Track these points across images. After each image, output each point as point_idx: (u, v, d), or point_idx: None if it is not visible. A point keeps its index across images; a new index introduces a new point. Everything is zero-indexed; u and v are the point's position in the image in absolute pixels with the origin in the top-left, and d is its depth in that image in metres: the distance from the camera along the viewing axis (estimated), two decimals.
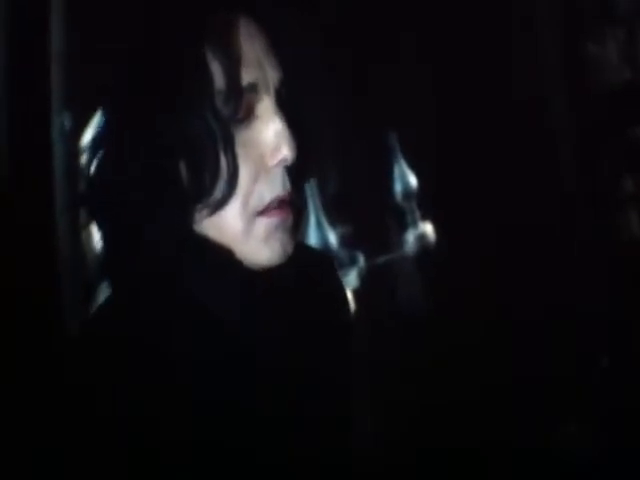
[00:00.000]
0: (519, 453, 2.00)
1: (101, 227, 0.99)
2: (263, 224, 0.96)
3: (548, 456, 2.04)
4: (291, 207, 0.99)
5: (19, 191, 1.48)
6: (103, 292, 1.02)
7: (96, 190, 0.97)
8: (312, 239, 2.28)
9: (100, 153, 0.95)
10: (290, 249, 0.99)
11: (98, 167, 0.96)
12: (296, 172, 1.00)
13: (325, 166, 2.41)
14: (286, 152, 0.95)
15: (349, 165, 2.49)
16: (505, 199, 2.41)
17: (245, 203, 0.95)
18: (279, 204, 0.97)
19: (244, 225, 0.96)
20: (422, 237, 2.46)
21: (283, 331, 1.02)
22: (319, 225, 2.28)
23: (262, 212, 0.96)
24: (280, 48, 0.99)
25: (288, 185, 0.98)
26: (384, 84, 2.49)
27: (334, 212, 2.36)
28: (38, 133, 1.51)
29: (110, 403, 0.91)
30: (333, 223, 2.33)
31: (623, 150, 2.38)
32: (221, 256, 0.97)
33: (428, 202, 2.48)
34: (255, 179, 0.95)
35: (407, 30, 2.52)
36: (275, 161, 0.96)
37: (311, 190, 2.25)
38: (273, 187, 0.96)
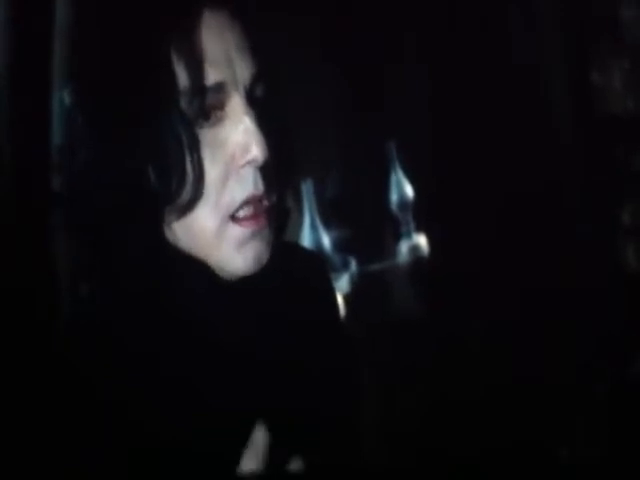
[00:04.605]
0: (517, 459, 2.01)
1: (74, 228, 0.97)
2: (237, 230, 0.93)
3: (549, 461, 2.05)
4: (268, 214, 0.95)
5: (17, 167, 1.47)
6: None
7: (68, 190, 0.95)
8: (305, 240, 2.26)
9: (73, 153, 0.93)
10: (265, 258, 0.95)
11: (71, 167, 0.93)
12: (275, 172, 0.95)
13: (322, 168, 2.41)
14: (255, 152, 0.91)
15: (347, 169, 2.49)
16: (502, 216, 2.42)
17: (216, 204, 0.92)
18: (254, 211, 0.93)
19: (216, 228, 0.92)
20: (416, 248, 2.45)
21: (271, 333, 0.98)
22: (313, 227, 2.27)
23: (236, 218, 0.92)
24: (255, 42, 0.95)
25: (261, 185, 0.93)
26: (385, 93, 2.50)
27: (329, 215, 2.37)
28: (38, 108, 1.51)
29: (98, 399, 0.90)
30: (327, 226, 2.34)
31: (624, 180, 2.40)
32: (193, 265, 0.94)
33: (424, 214, 2.49)
34: (225, 180, 0.92)
35: (409, 41, 2.54)
36: (244, 161, 0.92)
37: (307, 191, 2.27)
38: (244, 187, 0.92)
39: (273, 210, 0.97)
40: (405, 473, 1.69)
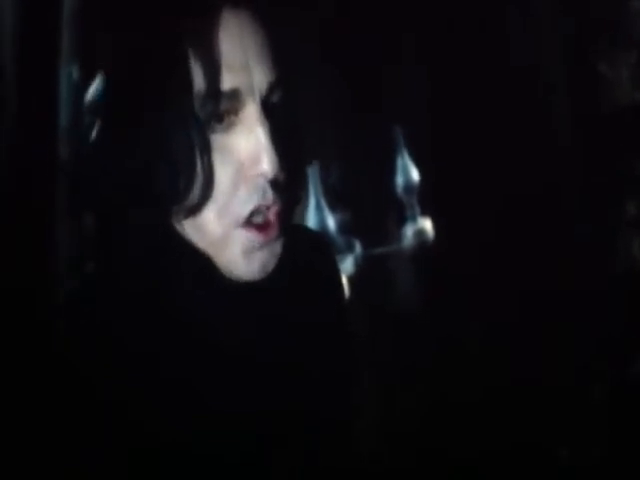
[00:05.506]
0: (517, 459, 2.01)
1: (77, 212, 0.99)
2: (244, 237, 0.91)
3: (549, 461, 2.06)
4: (278, 224, 0.94)
5: (23, 144, 1.48)
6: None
7: (81, 174, 0.94)
8: (310, 222, 2.25)
9: (88, 137, 0.92)
10: (271, 267, 0.94)
11: (86, 150, 0.93)
12: (285, 184, 0.94)
13: (328, 151, 2.42)
14: (265, 167, 0.90)
15: (353, 152, 2.49)
16: (507, 204, 2.42)
17: (224, 210, 0.90)
18: (264, 222, 0.92)
19: (223, 232, 0.91)
20: (420, 233, 2.45)
21: (272, 329, 0.99)
22: (318, 209, 2.28)
23: (248, 223, 0.91)
24: (275, 47, 0.94)
25: (270, 196, 0.92)
26: (391, 79, 2.51)
27: (334, 198, 2.37)
28: (45, 84, 1.51)
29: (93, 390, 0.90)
30: (333, 208, 2.34)
31: (627, 174, 2.40)
32: (198, 259, 0.93)
33: (429, 198, 2.50)
34: (235, 186, 0.90)
35: (410, 35, 2.54)
36: (254, 173, 0.90)
37: (312, 174, 2.27)
38: (253, 197, 0.91)
39: (282, 220, 0.96)
40: (405, 473, 1.70)
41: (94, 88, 0.93)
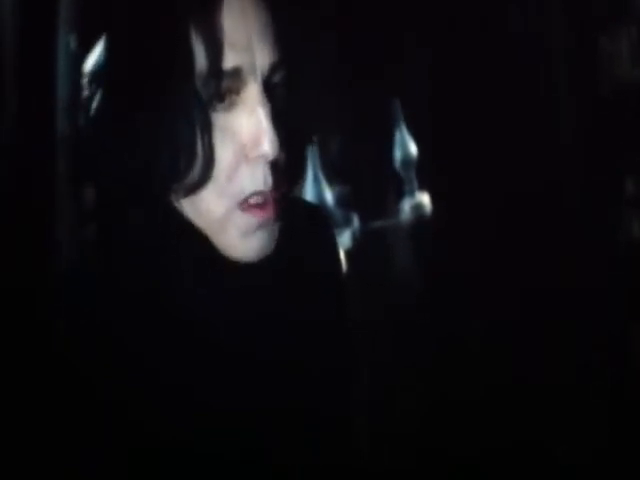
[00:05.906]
0: (516, 459, 2.02)
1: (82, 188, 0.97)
2: (243, 219, 0.90)
3: (549, 461, 2.06)
4: (276, 206, 0.93)
5: (21, 114, 1.46)
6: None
7: (80, 150, 0.94)
8: (308, 195, 2.25)
9: (87, 111, 0.91)
10: (269, 249, 0.94)
11: (85, 125, 0.92)
12: (285, 167, 0.94)
13: (327, 124, 2.40)
14: (266, 149, 0.89)
15: (351, 126, 2.48)
16: (505, 179, 2.41)
17: (224, 191, 0.90)
18: (262, 202, 0.91)
19: (223, 214, 0.90)
20: (418, 207, 2.45)
21: (274, 304, 0.99)
22: (316, 182, 2.27)
23: (243, 206, 0.90)
24: (278, 28, 0.92)
25: (270, 180, 0.91)
26: (391, 54, 2.49)
27: (332, 171, 2.36)
28: (43, 53, 1.49)
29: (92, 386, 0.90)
30: (330, 182, 2.32)
31: (628, 150, 2.39)
32: (198, 240, 0.92)
33: (427, 173, 2.49)
34: (236, 166, 0.89)
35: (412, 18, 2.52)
36: (254, 154, 0.89)
37: (310, 147, 2.25)
38: (254, 180, 0.90)
39: (281, 203, 0.95)
40: (405, 473, 1.70)
41: (93, 60, 0.91)
